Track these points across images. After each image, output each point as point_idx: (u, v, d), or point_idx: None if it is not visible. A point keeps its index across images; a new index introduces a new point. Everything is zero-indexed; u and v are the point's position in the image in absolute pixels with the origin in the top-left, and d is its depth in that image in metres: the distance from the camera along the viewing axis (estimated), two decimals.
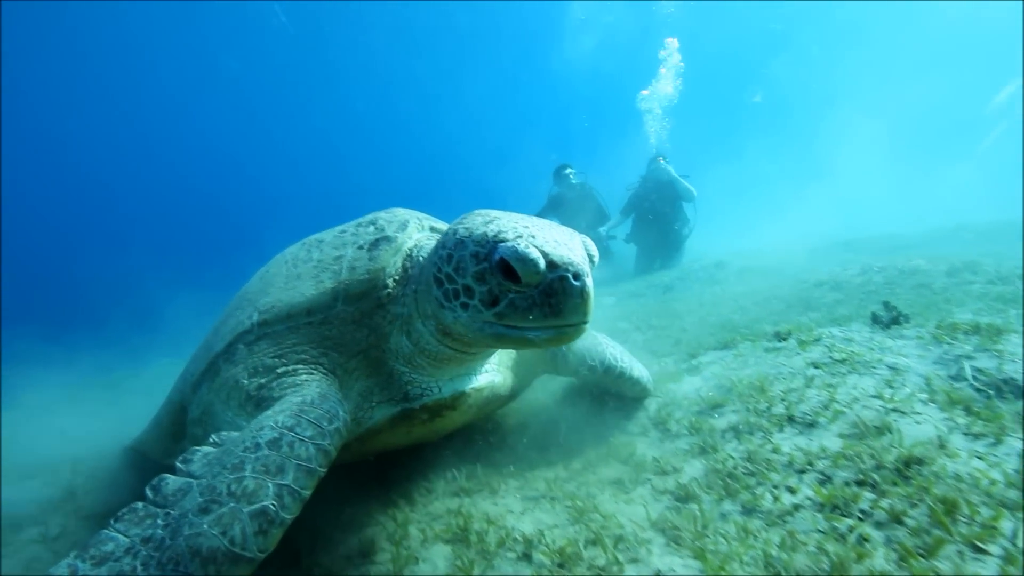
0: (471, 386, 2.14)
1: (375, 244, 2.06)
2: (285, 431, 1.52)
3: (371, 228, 2.16)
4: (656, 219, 10.10)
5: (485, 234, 1.56)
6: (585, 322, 1.51)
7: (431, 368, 2.00)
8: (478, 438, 2.52)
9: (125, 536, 1.33)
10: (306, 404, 1.65)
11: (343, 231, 2.25)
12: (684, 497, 1.87)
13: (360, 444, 2.01)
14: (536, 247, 1.45)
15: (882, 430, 1.98)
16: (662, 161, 10.48)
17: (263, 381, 1.91)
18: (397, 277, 2.01)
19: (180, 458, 1.57)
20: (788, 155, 24.46)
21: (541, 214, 10.65)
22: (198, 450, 1.60)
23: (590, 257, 1.63)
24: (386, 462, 2.32)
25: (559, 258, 1.46)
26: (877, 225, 12.08)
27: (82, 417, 4.50)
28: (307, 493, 1.43)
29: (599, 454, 2.31)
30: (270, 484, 1.38)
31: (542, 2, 25.92)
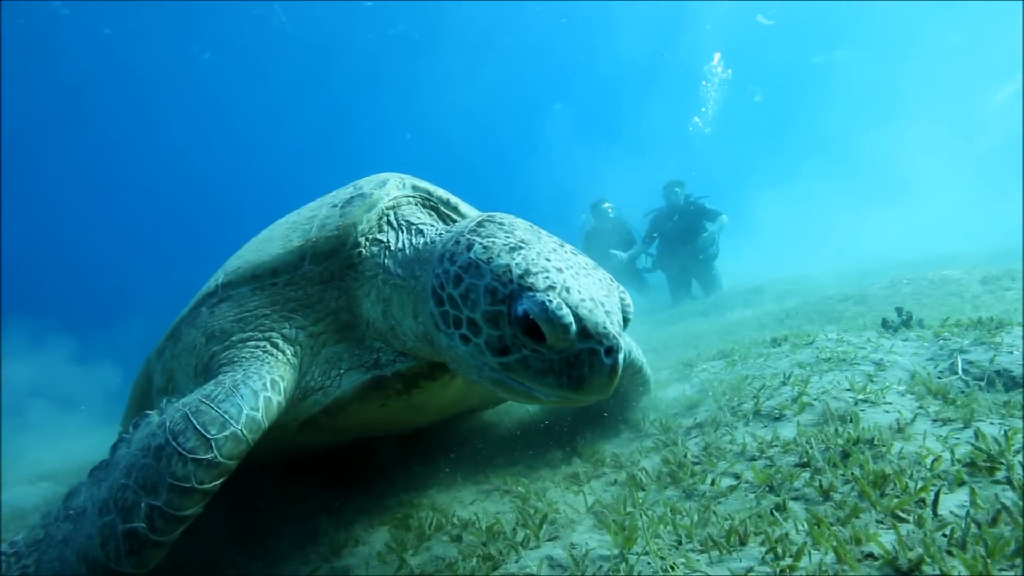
0: None
1: (349, 201, 1.88)
2: (170, 438, 1.36)
3: (350, 188, 2.01)
4: (681, 242, 9.97)
5: (508, 268, 1.27)
6: (605, 398, 1.30)
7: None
8: (447, 439, 2.56)
9: (42, 528, 1.50)
10: (206, 400, 1.46)
11: (324, 196, 2.14)
12: (631, 486, 1.84)
13: (329, 418, 1.84)
14: (570, 307, 1.19)
15: (844, 419, 1.89)
16: (677, 190, 10.47)
17: (215, 349, 1.80)
18: (371, 236, 1.83)
19: (132, 422, 1.56)
20: (847, 175, 23.56)
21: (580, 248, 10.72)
22: (148, 414, 1.57)
23: (625, 314, 1.35)
24: (354, 461, 2.40)
25: (593, 326, 1.19)
26: (938, 247, 11.38)
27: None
28: (188, 512, 1.31)
29: (564, 453, 2.29)
30: (143, 504, 1.29)
31: (548, 3, 26.47)
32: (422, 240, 1.76)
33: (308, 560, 1.73)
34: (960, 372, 2.18)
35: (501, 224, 1.46)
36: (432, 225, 1.86)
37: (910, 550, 1.08)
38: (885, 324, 3.21)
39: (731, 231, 10.55)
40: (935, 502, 1.26)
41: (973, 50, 27.16)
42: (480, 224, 1.47)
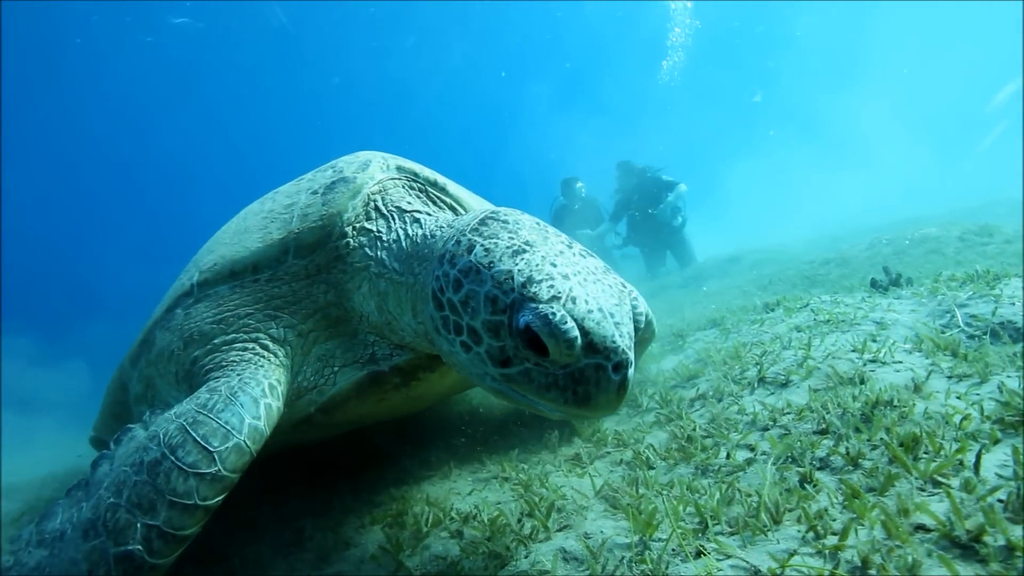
0: None
1: (331, 187, 1.76)
2: (167, 452, 1.28)
3: (329, 171, 1.87)
4: (645, 217, 10.11)
5: (511, 275, 1.18)
6: (614, 414, 1.26)
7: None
8: (438, 425, 2.42)
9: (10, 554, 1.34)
10: (203, 410, 1.38)
11: (301, 179, 1.98)
12: (639, 466, 1.73)
13: (325, 415, 1.76)
14: (575, 319, 1.09)
15: (856, 381, 1.81)
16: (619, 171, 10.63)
17: (197, 353, 1.69)
18: (358, 225, 1.72)
19: (115, 437, 1.47)
20: (809, 147, 24.00)
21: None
22: (131, 428, 1.49)
23: (637, 323, 1.26)
24: (338, 452, 2.24)
25: (601, 340, 1.09)
26: (907, 210, 11.62)
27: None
28: (189, 532, 1.23)
29: (563, 433, 2.17)
30: (139, 524, 1.20)
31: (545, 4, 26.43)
32: (419, 231, 1.67)
33: (294, 568, 1.58)
34: (962, 326, 2.12)
35: (505, 222, 1.35)
36: (428, 214, 1.75)
37: (967, 518, 0.98)
38: (874, 284, 3.16)
39: (703, 203, 10.66)
40: (977, 463, 1.17)
41: (933, 16, 27.70)
42: (483, 222, 1.37)
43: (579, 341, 1.08)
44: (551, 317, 1.08)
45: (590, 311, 1.11)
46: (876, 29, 29.69)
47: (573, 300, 1.11)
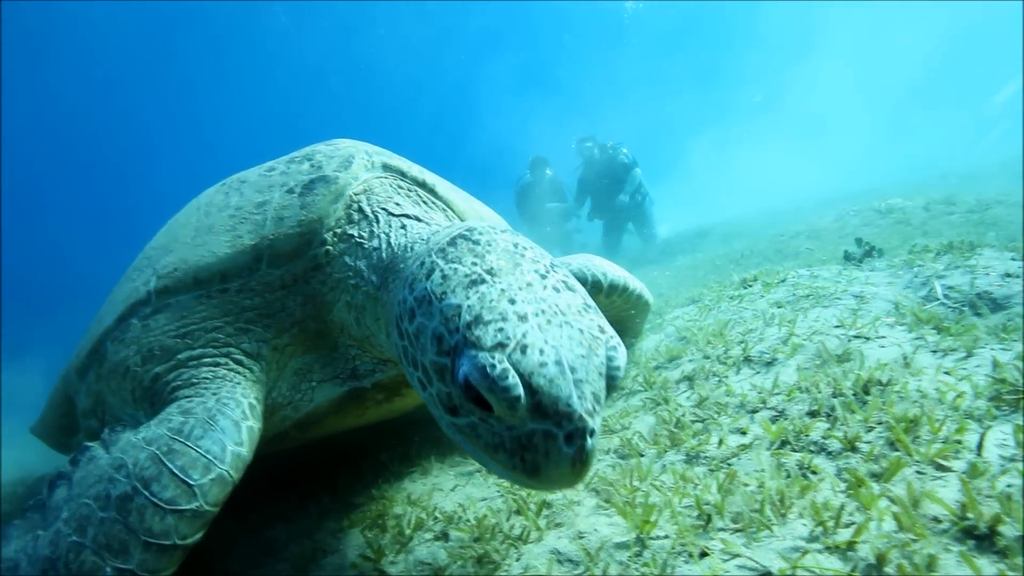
0: None
1: (309, 187, 1.60)
2: (139, 487, 1.16)
3: (306, 165, 1.69)
4: (608, 195, 10.28)
5: (459, 310, 1.01)
6: (572, 487, 1.02)
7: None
8: (414, 418, 2.32)
9: None
10: (179, 437, 1.25)
11: (271, 168, 1.78)
12: (627, 454, 1.67)
13: (300, 432, 1.66)
14: (522, 373, 0.91)
15: (843, 358, 1.78)
16: (589, 144, 10.77)
17: (158, 370, 1.53)
18: (339, 230, 1.57)
19: (71, 456, 1.36)
20: (769, 120, 24.39)
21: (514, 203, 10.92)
22: (90, 447, 1.36)
23: (612, 379, 1.01)
24: (311, 451, 2.12)
25: (552, 403, 0.90)
26: (864, 181, 11.90)
27: None
28: (166, 574, 1.13)
29: None
30: (108, 569, 1.08)
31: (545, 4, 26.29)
32: (403, 240, 1.51)
33: None
34: (941, 298, 2.12)
35: (476, 243, 1.18)
36: (418, 218, 1.61)
37: (980, 506, 0.94)
38: (848, 256, 3.18)
39: (667, 178, 10.87)
40: (980, 445, 1.14)
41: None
42: (452, 242, 1.21)
43: (523, 401, 0.90)
44: (489, 370, 0.91)
45: (543, 364, 0.92)
46: (833, 6, 30.12)
47: (523, 349, 0.93)
